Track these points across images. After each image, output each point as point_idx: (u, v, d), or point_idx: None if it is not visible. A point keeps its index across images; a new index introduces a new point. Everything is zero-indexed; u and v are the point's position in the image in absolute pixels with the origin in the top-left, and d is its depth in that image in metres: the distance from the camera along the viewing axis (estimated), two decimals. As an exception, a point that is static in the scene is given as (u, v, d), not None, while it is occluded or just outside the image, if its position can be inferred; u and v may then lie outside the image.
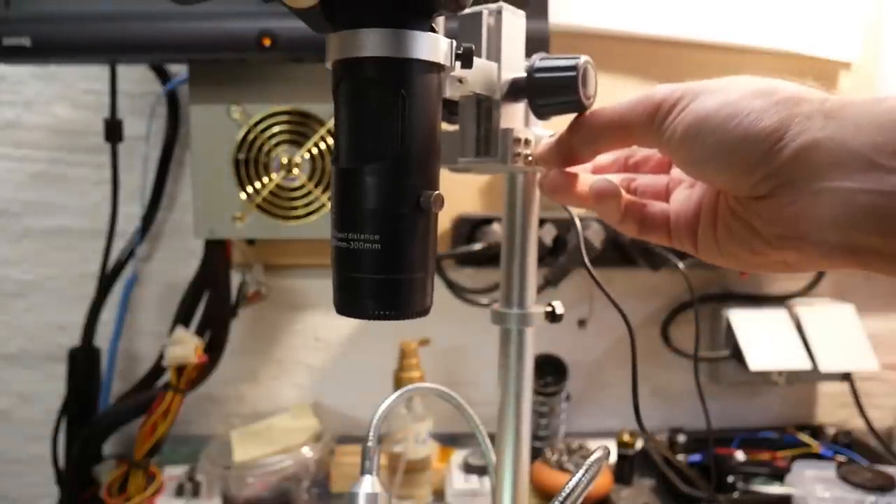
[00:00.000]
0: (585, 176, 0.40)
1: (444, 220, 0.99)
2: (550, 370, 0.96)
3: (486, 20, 0.39)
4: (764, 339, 0.97)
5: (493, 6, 0.39)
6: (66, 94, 0.94)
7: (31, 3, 0.73)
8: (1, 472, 1.02)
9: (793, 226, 0.29)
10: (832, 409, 1.11)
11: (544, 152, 0.39)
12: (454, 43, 0.32)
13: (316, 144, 0.83)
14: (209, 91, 0.82)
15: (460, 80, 0.36)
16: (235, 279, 0.95)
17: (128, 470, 0.86)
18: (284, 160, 0.83)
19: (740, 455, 0.93)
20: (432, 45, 0.30)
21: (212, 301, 0.93)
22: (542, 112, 0.40)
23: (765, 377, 0.98)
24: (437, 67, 0.31)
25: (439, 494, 0.89)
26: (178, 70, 0.93)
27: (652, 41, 0.98)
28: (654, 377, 1.07)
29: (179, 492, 0.86)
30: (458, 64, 0.33)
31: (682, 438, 0.95)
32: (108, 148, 0.92)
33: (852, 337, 0.99)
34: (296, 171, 0.83)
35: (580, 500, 0.39)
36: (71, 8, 0.73)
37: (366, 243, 0.30)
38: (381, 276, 0.30)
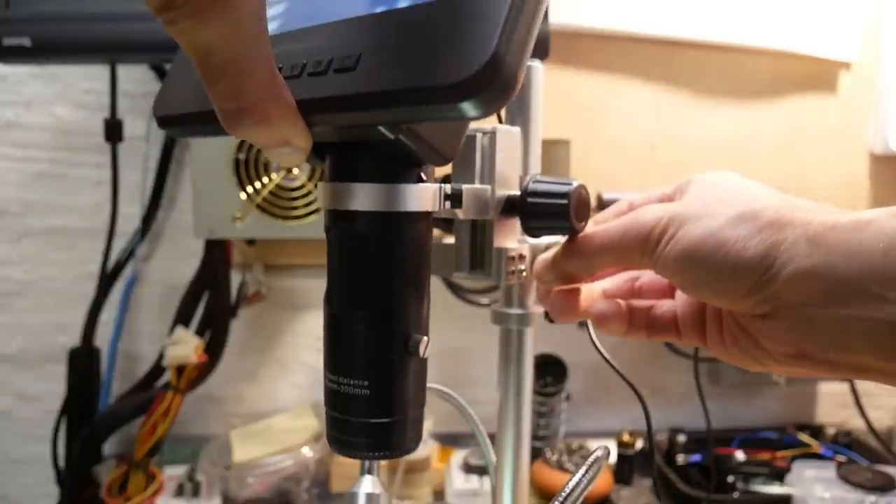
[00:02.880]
0: (589, 287, 0.40)
1: (444, 220, 0.99)
2: (550, 370, 0.96)
3: (480, 142, 0.39)
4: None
5: (486, 128, 0.39)
6: (66, 94, 0.94)
7: (31, 3, 0.73)
8: (1, 472, 1.02)
9: (796, 345, 0.30)
10: (832, 409, 1.11)
11: (541, 272, 0.39)
12: (442, 187, 0.32)
13: (316, 144, 0.83)
14: (209, 91, 0.82)
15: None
16: (235, 279, 0.95)
17: (128, 470, 0.86)
18: (284, 160, 0.83)
19: (740, 455, 0.93)
20: (420, 196, 0.30)
21: (212, 301, 0.93)
22: (533, 233, 0.40)
23: (765, 377, 0.98)
24: (425, 215, 0.31)
25: (439, 494, 0.89)
26: (178, 70, 0.93)
27: (652, 41, 0.97)
28: (654, 377, 1.07)
29: (179, 492, 0.86)
30: (447, 203, 0.33)
31: (682, 438, 0.95)
32: (108, 148, 0.92)
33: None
34: (296, 171, 0.83)
35: (580, 500, 0.39)
36: (71, 8, 0.73)
37: (355, 388, 0.30)
38: (371, 419, 0.31)
